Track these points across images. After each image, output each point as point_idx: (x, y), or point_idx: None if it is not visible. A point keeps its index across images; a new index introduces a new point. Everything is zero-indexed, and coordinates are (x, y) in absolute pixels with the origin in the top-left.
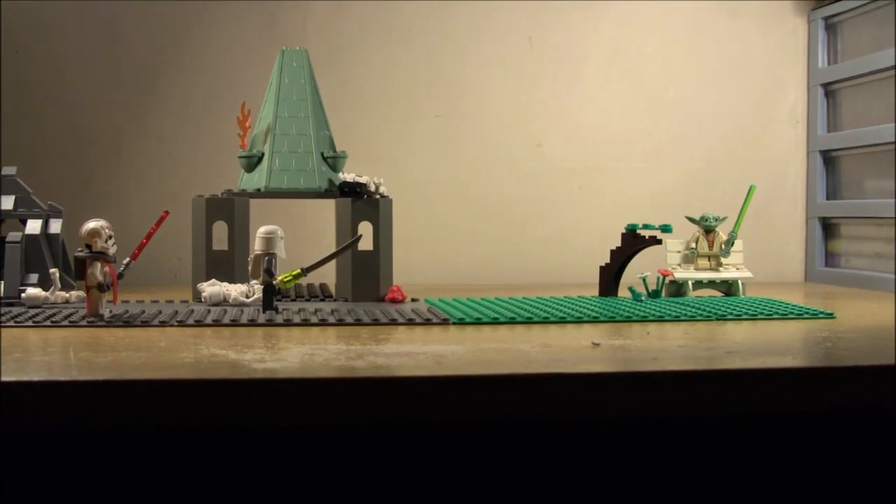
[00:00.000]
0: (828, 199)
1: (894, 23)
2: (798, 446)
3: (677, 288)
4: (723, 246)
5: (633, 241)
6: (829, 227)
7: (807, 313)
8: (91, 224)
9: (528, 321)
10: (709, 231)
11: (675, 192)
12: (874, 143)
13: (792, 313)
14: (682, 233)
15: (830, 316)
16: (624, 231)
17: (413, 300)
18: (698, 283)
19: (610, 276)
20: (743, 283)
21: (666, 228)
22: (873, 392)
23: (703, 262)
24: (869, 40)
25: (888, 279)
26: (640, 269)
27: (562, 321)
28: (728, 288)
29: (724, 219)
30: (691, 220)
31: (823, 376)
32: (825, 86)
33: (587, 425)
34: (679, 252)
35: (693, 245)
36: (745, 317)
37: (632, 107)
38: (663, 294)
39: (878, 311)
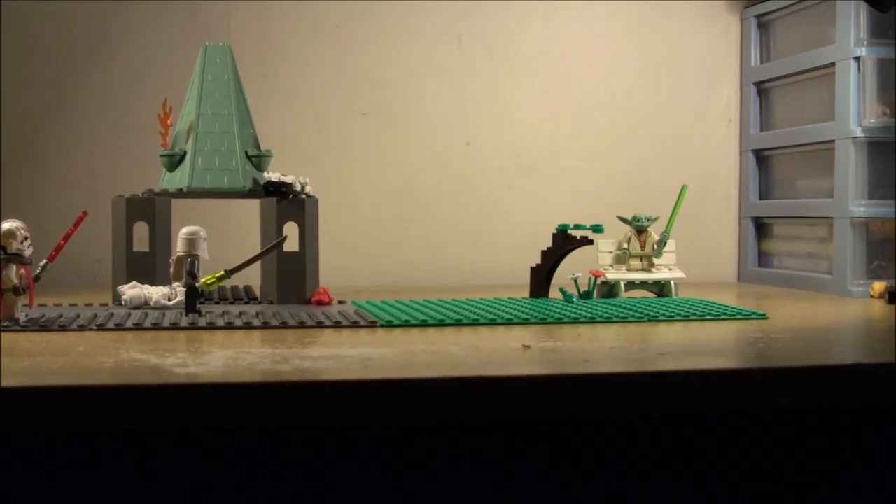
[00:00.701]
0: (761, 198)
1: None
2: (730, 448)
3: (609, 289)
4: (655, 246)
5: (564, 242)
6: (762, 227)
7: (739, 314)
8: (6, 225)
9: (458, 323)
10: (641, 231)
11: (607, 191)
12: (807, 143)
13: (724, 314)
14: (614, 233)
15: (763, 317)
16: (555, 231)
17: (340, 302)
18: (630, 284)
19: (541, 277)
20: (675, 284)
21: (597, 229)
22: (806, 393)
23: (636, 263)
24: (801, 38)
25: (820, 279)
26: (572, 269)
27: (492, 323)
28: (660, 289)
29: (657, 219)
30: (623, 220)
31: (756, 377)
32: (758, 84)
33: (518, 428)
34: (611, 253)
35: (625, 245)
36: (677, 318)
37: (563, 105)
38: (595, 295)
39: (810, 311)
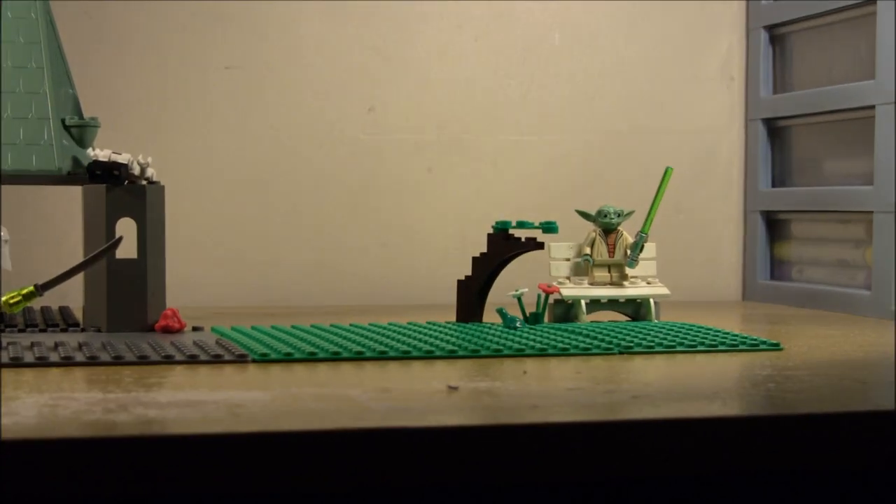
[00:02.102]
0: (774, 185)
1: None
2: None
3: (566, 310)
4: (628, 251)
5: (504, 246)
6: (775, 225)
7: (743, 344)
8: None
9: (359, 357)
10: (609, 231)
11: (563, 176)
12: (837, 109)
13: (723, 344)
14: (573, 233)
15: (776, 347)
16: (491, 231)
17: (195, 329)
18: (595, 304)
19: (472, 294)
20: (656, 303)
21: (550, 227)
22: (831, 449)
23: (602, 275)
24: None
25: (854, 297)
26: (514, 283)
27: (405, 357)
28: (636, 310)
29: (632, 213)
30: (585, 215)
31: (764, 428)
32: (770, 29)
33: (440, 497)
34: (568, 260)
35: (587, 250)
36: (658, 349)
37: (503, 57)
38: (546, 318)
39: (840, 339)
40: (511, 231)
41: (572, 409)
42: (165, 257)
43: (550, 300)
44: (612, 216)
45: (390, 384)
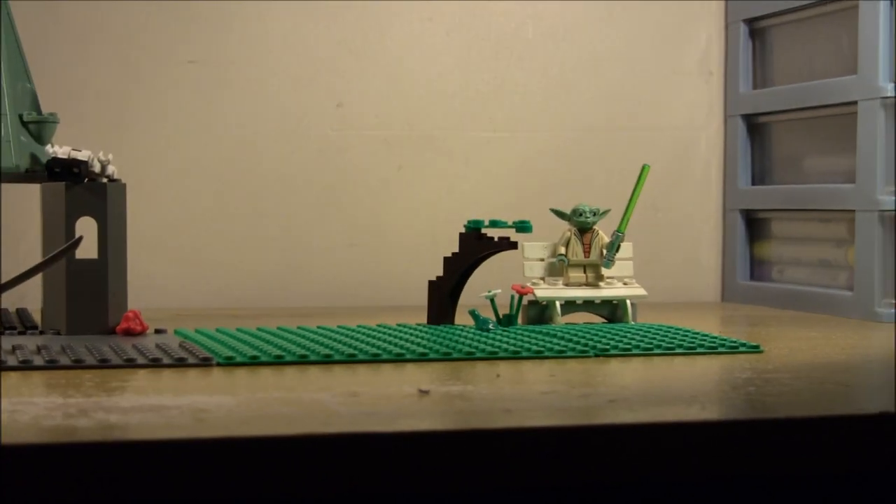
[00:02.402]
0: (754, 183)
1: None
2: None
3: (540, 311)
4: (604, 251)
5: (477, 245)
6: (755, 224)
7: (722, 346)
8: None
9: (327, 360)
10: (585, 230)
11: (537, 174)
12: (818, 105)
13: (702, 346)
14: (548, 233)
15: (756, 349)
16: (463, 230)
17: (158, 331)
18: (570, 305)
19: (443, 296)
20: (633, 305)
21: (523, 227)
22: (812, 453)
23: (577, 275)
24: None
25: (836, 298)
26: (487, 284)
27: (375, 360)
28: (612, 311)
29: (607, 213)
30: (560, 214)
31: (742, 432)
32: (750, 22)
33: (411, 502)
34: (542, 260)
35: (562, 250)
36: (635, 351)
37: (474, 51)
38: (520, 320)
39: (821, 341)
40: (484, 230)
41: (547, 414)
42: (127, 257)
43: (524, 301)
44: (588, 215)
45: (359, 388)
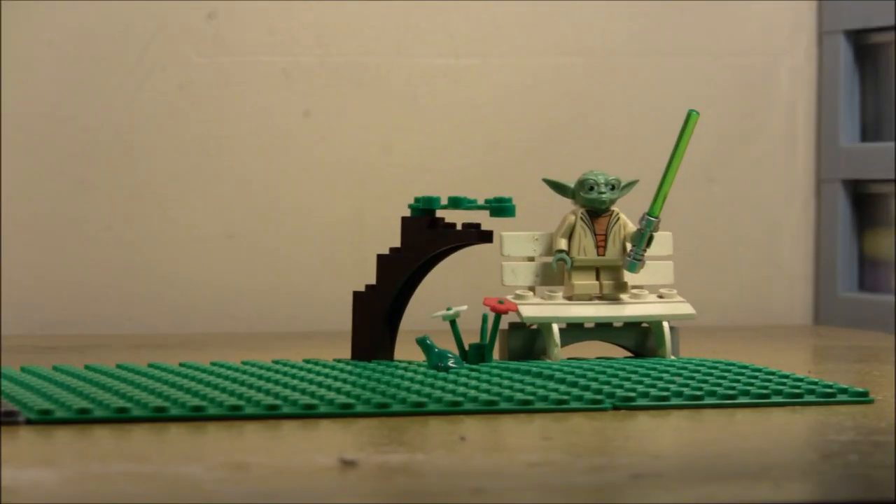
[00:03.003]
0: (864, 139)
1: None
2: None
3: (528, 340)
4: (629, 246)
5: (429, 237)
6: (866, 203)
7: (811, 393)
8: None
9: (197, 415)
10: (598, 212)
11: (523, 123)
12: None
13: (779, 394)
14: (539, 217)
15: (863, 398)
16: (408, 214)
17: None
18: (575, 330)
19: (376, 315)
20: (673, 329)
21: (501, 207)
22: None
23: (587, 283)
24: None
25: None
26: (445, 299)
27: (271, 415)
28: (641, 339)
29: (633, 185)
30: (558, 186)
31: None
32: None
33: None
34: (532, 260)
35: (563, 244)
36: (675, 401)
37: None
38: (496, 354)
39: None
40: (439, 213)
41: (538, 495)
42: None
43: (503, 324)
44: (603, 189)
45: (248, 457)
